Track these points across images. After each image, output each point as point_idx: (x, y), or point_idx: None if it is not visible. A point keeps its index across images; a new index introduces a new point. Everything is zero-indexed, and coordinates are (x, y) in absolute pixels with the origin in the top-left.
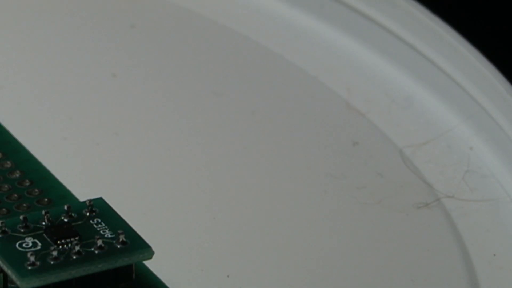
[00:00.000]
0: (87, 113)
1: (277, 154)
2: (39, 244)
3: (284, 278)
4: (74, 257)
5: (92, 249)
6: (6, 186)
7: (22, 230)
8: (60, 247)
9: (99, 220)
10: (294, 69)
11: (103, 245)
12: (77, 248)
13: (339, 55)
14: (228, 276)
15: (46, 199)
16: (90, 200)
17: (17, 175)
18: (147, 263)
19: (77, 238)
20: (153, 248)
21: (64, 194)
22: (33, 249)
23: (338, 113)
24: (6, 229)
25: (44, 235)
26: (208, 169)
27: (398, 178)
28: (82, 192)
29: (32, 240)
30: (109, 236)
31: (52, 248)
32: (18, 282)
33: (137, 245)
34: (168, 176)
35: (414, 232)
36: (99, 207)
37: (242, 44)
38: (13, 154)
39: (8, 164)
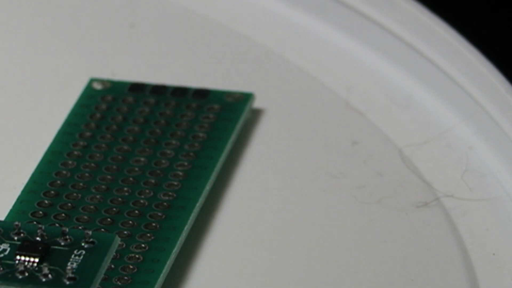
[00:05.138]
0: None
1: (276, 153)
2: (7, 251)
3: (282, 277)
4: (19, 276)
5: (38, 274)
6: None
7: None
8: (17, 261)
9: (83, 253)
10: (294, 69)
11: (50, 275)
12: (21, 267)
13: (339, 55)
14: (226, 275)
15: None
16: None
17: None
18: None
19: (36, 260)
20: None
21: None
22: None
23: (337, 113)
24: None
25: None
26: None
27: (398, 177)
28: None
29: (7, 246)
30: (70, 267)
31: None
32: None
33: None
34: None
35: (413, 231)
36: (101, 242)
37: (242, 44)
38: None
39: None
